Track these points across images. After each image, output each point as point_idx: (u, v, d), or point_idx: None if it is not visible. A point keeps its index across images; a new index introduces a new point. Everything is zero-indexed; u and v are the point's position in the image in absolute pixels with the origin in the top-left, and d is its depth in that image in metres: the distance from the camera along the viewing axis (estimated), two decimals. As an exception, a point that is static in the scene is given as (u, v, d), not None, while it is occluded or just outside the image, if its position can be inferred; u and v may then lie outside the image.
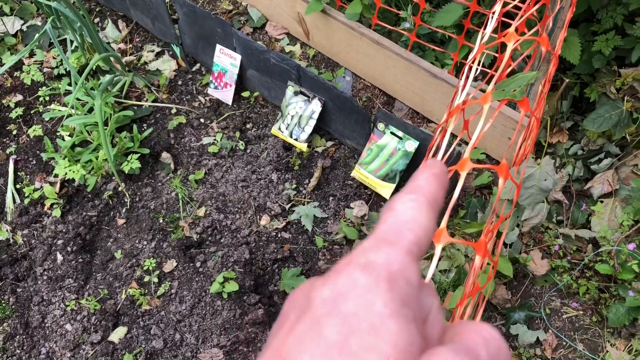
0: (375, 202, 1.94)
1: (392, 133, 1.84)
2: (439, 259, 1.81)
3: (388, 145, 1.85)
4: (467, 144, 2.02)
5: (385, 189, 1.90)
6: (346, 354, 0.25)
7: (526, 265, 1.74)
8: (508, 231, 1.72)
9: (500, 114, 1.78)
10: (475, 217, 1.86)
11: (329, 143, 2.08)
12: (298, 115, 2.01)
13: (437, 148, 1.22)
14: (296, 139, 2.04)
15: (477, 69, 1.21)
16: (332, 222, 1.93)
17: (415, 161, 1.83)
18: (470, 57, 1.15)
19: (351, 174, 1.98)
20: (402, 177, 1.90)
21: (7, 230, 1.91)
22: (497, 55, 1.86)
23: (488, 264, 1.52)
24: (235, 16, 2.41)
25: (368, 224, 1.89)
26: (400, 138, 1.82)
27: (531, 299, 1.73)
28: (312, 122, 1.99)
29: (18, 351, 1.70)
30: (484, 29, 1.25)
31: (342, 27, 2.05)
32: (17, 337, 1.72)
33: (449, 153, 1.39)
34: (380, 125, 1.85)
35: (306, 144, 2.03)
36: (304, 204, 1.97)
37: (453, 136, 1.97)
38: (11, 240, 1.89)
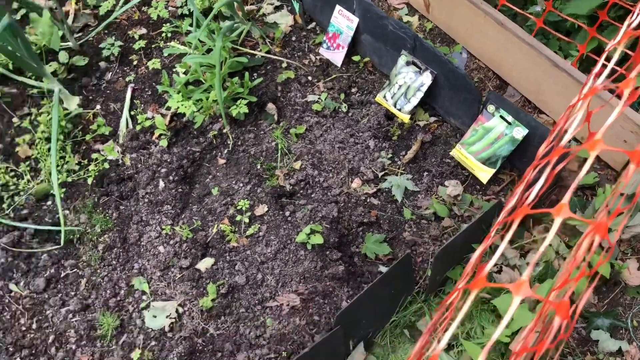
0: (472, 184, 1.92)
1: (501, 117, 1.80)
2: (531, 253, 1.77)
3: (495, 129, 1.82)
4: (579, 142, 1.95)
5: (483, 172, 1.87)
6: None
7: (620, 272, 1.67)
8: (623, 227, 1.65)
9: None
10: (573, 217, 1.80)
11: (432, 118, 2.06)
12: (406, 86, 2.00)
13: (558, 135, 1.19)
14: (400, 109, 2.04)
15: (604, 64, 1.16)
16: (423, 197, 1.92)
17: (520, 149, 1.79)
18: (612, 43, 1.11)
19: (450, 153, 1.96)
20: (503, 164, 1.86)
21: (117, 151, 2.04)
22: (629, 52, 1.76)
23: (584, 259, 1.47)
24: (357, -20, 2.42)
25: (460, 205, 1.87)
26: (509, 123, 1.78)
27: (619, 308, 1.67)
28: (420, 95, 1.98)
29: (114, 262, 1.83)
30: (631, 16, 1.19)
31: (466, 4, 2.01)
32: (115, 249, 1.85)
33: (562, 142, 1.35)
34: (491, 108, 1.82)
35: (409, 116, 2.03)
36: (397, 174, 1.97)
37: (565, 131, 1.90)
38: (120, 161, 2.02)
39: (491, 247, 1.68)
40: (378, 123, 2.06)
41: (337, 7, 2.15)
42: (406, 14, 2.32)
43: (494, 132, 1.82)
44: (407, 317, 1.71)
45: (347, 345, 1.61)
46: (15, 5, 2.40)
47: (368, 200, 1.93)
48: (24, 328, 1.74)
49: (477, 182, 1.92)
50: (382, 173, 1.98)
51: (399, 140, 2.04)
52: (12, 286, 1.79)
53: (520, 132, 1.76)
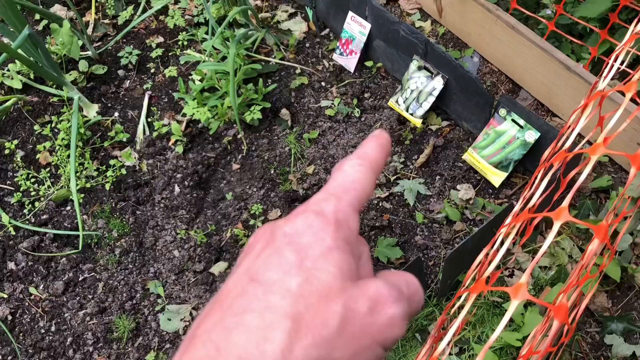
0: (484, 188, 1.92)
1: (513, 120, 1.80)
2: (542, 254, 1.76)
3: (507, 133, 1.82)
4: (591, 144, 1.93)
5: (496, 176, 1.87)
6: (302, 270, 0.33)
7: (634, 276, 1.65)
8: (627, 230, 1.64)
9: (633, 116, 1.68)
10: (587, 220, 1.78)
11: (444, 123, 2.07)
12: (418, 91, 2.01)
13: (566, 137, 1.19)
14: (412, 114, 2.05)
15: (618, 67, 1.16)
16: (435, 201, 1.93)
17: (533, 153, 1.79)
18: (620, 45, 1.11)
19: (462, 157, 1.97)
20: (515, 167, 1.86)
21: (135, 158, 2.08)
22: (641, 54, 1.75)
23: (596, 264, 1.47)
24: (370, -13, 2.44)
25: (472, 209, 1.87)
26: (521, 127, 1.78)
27: (633, 312, 1.65)
28: (431, 99, 1.99)
29: (130, 266, 1.87)
30: (638, 20, 1.19)
31: (478, 8, 2.02)
32: (132, 253, 1.89)
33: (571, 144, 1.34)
34: (502, 111, 1.82)
35: (421, 120, 2.04)
36: (409, 179, 1.98)
37: (580, 136, 1.89)
38: (137, 167, 2.07)
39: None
40: (390, 127, 2.07)
41: (350, 14, 2.17)
42: (419, 19, 2.33)
43: (505, 135, 1.82)
44: (419, 321, 1.72)
45: (358, 348, 1.62)
46: (37, 16, 2.47)
47: (380, 204, 1.94)
48: (43, 330, 1.78)
49: (489, 186, 1.91)
50: (395, 177, 1.99)
51: (411, 144, 2.05)
52: (31, 289, 1.84)
53: (532, 135, 1.76)
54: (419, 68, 2.01)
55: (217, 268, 1.83)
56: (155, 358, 1.70)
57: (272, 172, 2.03)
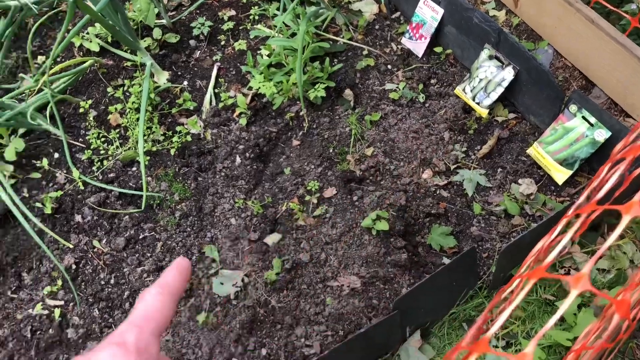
0: (546, 184, 1.87)
1: (583, 117, 1.74)
2: (600, 257, 1.71)
3: (575, 129, 1.76)
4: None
5: (560, 173, 1.82)
6: None
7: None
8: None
9: None
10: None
11: (511, 115, 2.02)
12: (487, 80, 1.97)
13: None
14: (478, 103, 2.01)
15: None
16: (494, 193, 1.90)
17: (601, 152, 1.73)
18: None
19: (527, 151, 1.92)
20: (581, 166, 1.80)
21: (200, 126, 2.14)
22: None
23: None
24: (446, -28, 2.40)
25: (532, 204, 1.83)
26: (592, 125, 1.73)
27: (695, 326, 1.59)
28: (500, 90, 1.95)
29: (189, 229, 1.93)
30: None
31: (558, 0, 1.95)
32: (191, 217, 1.95)
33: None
34: (573, 107, 1.76)
35: (487, 111, 2.00)
36: (469, 169, 1.96)
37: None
38: (202, 136, 2.13)
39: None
40: (455, 116, 2.05)
41: (423, -2, 2.15)
42: (493, 8, 2.28)
43: (574, 132, 1.77)
44: (467, 311, 1.70)
45: (404, 331, 1.63)
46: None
47: (438, 192, 1.93)
48: (103, 282, 1.88)
49: (552, 183, 1.87)
50: (455, 166, 1.97)
51: (474, 134, 2.02)
52: (95, 242, 1.93)
53: (602, 134, 1.70)
54: (490, 57, 1.98)
55: (271, 239, 1.87)
56: (205, 319, 1.76)
57: (331, 150, 2.04)
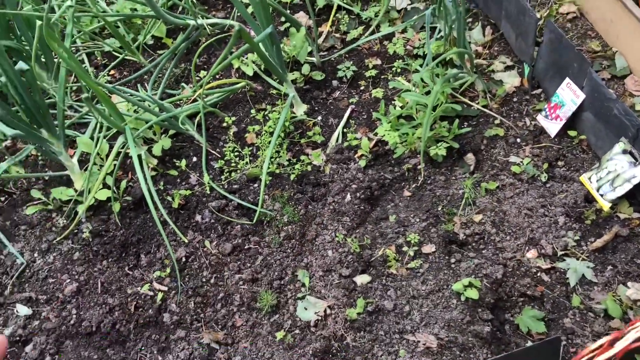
0: (658, 294, 1.75)
1: None
2: None
3: (703, 244, 1.64)
4: None
5: (676, 286, 1.69)
6: None
7: None
8: None
9: None
10: None
11: (636, 214, 1.92)
12: (615, 173, 1.90)
13: None
14: (602, 195, 1.94)
15: None
16: (598, 290, 1.81)
17: None
18: None
19: (645, 254, 1.82)
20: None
21: (322, 159, 2.29)
22: None
23: None
24: (598, 58, 2.35)
25: (637, 311, 1.72)
26: None
27: None
28: (627, 186, 1.87)
29: (288, 250, 2.06)
30: None
31: None
32: (293, 240, 2.08)
33: None
34: None
35: (610, 205, 1.92)
36: (578, 259, 1.88)
37: None
38: (321, 168, 2.27)
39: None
40: (574, 202, 1.99)
41: (567, 80, 2.13)
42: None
43: (701, 247, 1.64)
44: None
45: (468, 403, 1.60)
46: (282, 18, 2.83)
47: (538, 274, 1.88)
48: (204, 279, 2.06)
49: (666, 295, 1.74)
50: (563, 252, 1.91)
51: (591, 225, 1.95)
52: (206, 242, 2.13)
53: None
54: (624, 151, 1.91)
55: (361, 279, 1.93)
56: (283, 337, 1.86)
57: (440, 208, 2.07)
